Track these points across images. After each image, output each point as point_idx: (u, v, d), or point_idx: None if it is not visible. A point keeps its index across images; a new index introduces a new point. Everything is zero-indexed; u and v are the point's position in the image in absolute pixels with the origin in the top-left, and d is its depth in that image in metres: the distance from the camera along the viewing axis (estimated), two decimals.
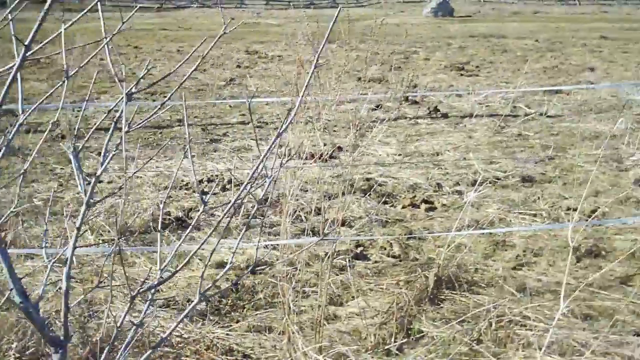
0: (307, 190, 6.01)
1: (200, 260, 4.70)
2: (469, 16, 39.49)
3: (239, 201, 1.95)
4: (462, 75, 13.54)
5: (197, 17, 29.10)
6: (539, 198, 5.96)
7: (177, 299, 4.14)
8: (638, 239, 5.02)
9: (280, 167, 1.93)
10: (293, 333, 3.36)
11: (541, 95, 10.73)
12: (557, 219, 5.49)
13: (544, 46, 19.20)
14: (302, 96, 1.80)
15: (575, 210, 5.66)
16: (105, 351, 2.05)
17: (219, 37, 1.86)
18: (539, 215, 5.58)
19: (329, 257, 3.81)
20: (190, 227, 2.08)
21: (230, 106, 9.87)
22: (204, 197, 1.93)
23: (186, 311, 2.04)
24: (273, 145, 1.85)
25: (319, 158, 6.93)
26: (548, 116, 9.35)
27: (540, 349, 3.30)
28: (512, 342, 3.54)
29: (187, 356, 3.37)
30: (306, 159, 6.63)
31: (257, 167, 1.79)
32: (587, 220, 5.38)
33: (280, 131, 1.81)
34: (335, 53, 13.56)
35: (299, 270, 4.02)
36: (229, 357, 3.43)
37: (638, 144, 7.57)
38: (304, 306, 4.07)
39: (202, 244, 2.04)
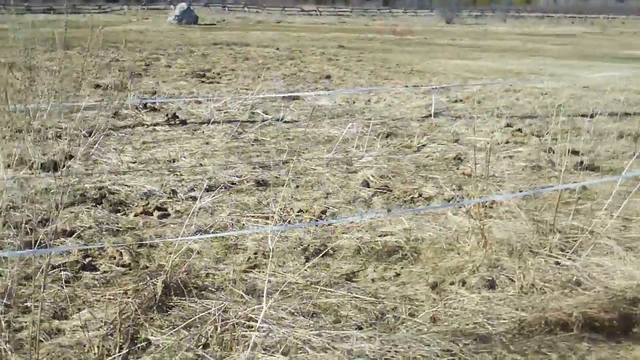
0: (35, 202, 5.72)
1: None
2: (213, 24, 39.84)
3: None
4: (203, 82, 13.61)
5: None
6: (272, 201, 6.06)
7: None
8: (363, 237, 5.24)
9: None
10: (5, 352, 3.16)
11: (279, 102, 11.00)
12: (288, 221, 5.60)
13: (284, 54, 19.73)
14: None
15: (306, 211, 5.83)
16: None
17: None
18: (271, 217, 5.67)
19: (44, 270, 3.62)
20: None
21: None
22: None
23: None
24: None
25: (50, 168, 6.65)
26: (285, 121, 9.59)
27: (263, 350, 3.33)
28: (238, 344, 3.54)
29: None
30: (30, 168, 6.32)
31: None
32: (317, 221, 5.55)
33: None
34: (74, 59, 13.11)
35: (13, 284, 3.80)
36: None
37: (367, 146, 7.94)
38: (25, 322, 3.85)
39: None
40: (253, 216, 5.68)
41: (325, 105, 10.85)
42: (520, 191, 6.43)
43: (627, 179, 6.11)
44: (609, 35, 42.95)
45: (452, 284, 4.49)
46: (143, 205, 5.81)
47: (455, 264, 4.74)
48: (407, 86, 13.80)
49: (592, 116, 10.07)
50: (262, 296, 4.15)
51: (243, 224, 5.51)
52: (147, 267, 4.63)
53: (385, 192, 6.42)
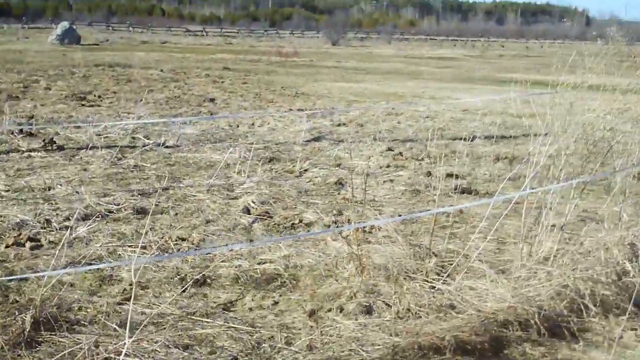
0: None
1: None
2: (96, 44, 39.20)
3: None
4: (83, 105, 13.33)
5: None
6: (150, 229, 5.95)
7: None
8: (242, 265, 5.20)
9: None
10: None
11: (161, 126, 10.86)
12: (166, 250, 5.51)
13: (168, 76, 19.56)
14: None
15: (184, 239, 5.75)
16: None
17: None
18: (148, 247, 5.56)
19: None
20: None
21: None
22: None
23: None
24: None
25: None
26: (166, 146, 9.46)
27: None
28: None
29: None
30: None
31: None
32: (195, 250, 5.48)
33: None
34: None
35: None
36: None
37: (249, 172, 7.92)
38: None
39: None
40: (130, 246, 5.57)
41: (190, 133, 10.56)
42: (399, 215, 6.52)
43: (503, 202, 6.29)
44: (488, 58, 44.35)
45: (329, 310, 4.50)
46: (15, 236, 5.61)
47: (333, 290, 4.76)
48: (291, 109, 13.88)
49: (470, 139, 10.35)
50: (136, 329, 4.07)
51: (119, 254, 5.39)
52: (17, 302, 4.46)
53: (266, 219, 6.40)
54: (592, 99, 5.53)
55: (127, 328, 2.57)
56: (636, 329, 4.43)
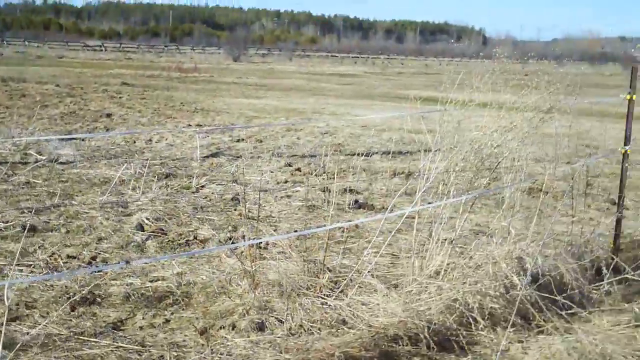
0: None
1: None
2: None
3: None
4: None
5: None
6: (39, 247, 5.80)
7: None
8: (134, 283, 5.11)
9: None
10: None
11: (55, 142, 10.61)
12: (55, 269, 5.37)
13: (64, 91, 19.17)
14: None
15: (74, 257, 5.62)
16: None
17: None
18: (37, 265, 5.41)
19: None
20: None
21: None
22: None
23: None
24: None
25: None
26: (60, 163, 9.25)
27: None
28: None
29: None
30: None
31: None
32: (85, 268, 5.36)
33: None
34: None
35: None
36: None
37: (144, 188, 7.80)
38: None
39: None
40: (18, 264, 5.40)
41: (67, 154, 10.10)
42: (295, 231, 6.53)
43: (399, 216, 6.36)
44: (388, 75, 45.08)
45: (221, 328, 4.46)
46: None
47: (226, 307, 4.72)
48: (190, 125, 13.77)
49: (368, 155, 10.48)
50: (20, 350, 3.95)
51: (5, 273, 5.22)
52: None
53: (160, 236, 6.32)
54: (479, 116, 5.66)
55: (0, 348, 2.47)
56: (522, 341, 4.54)
